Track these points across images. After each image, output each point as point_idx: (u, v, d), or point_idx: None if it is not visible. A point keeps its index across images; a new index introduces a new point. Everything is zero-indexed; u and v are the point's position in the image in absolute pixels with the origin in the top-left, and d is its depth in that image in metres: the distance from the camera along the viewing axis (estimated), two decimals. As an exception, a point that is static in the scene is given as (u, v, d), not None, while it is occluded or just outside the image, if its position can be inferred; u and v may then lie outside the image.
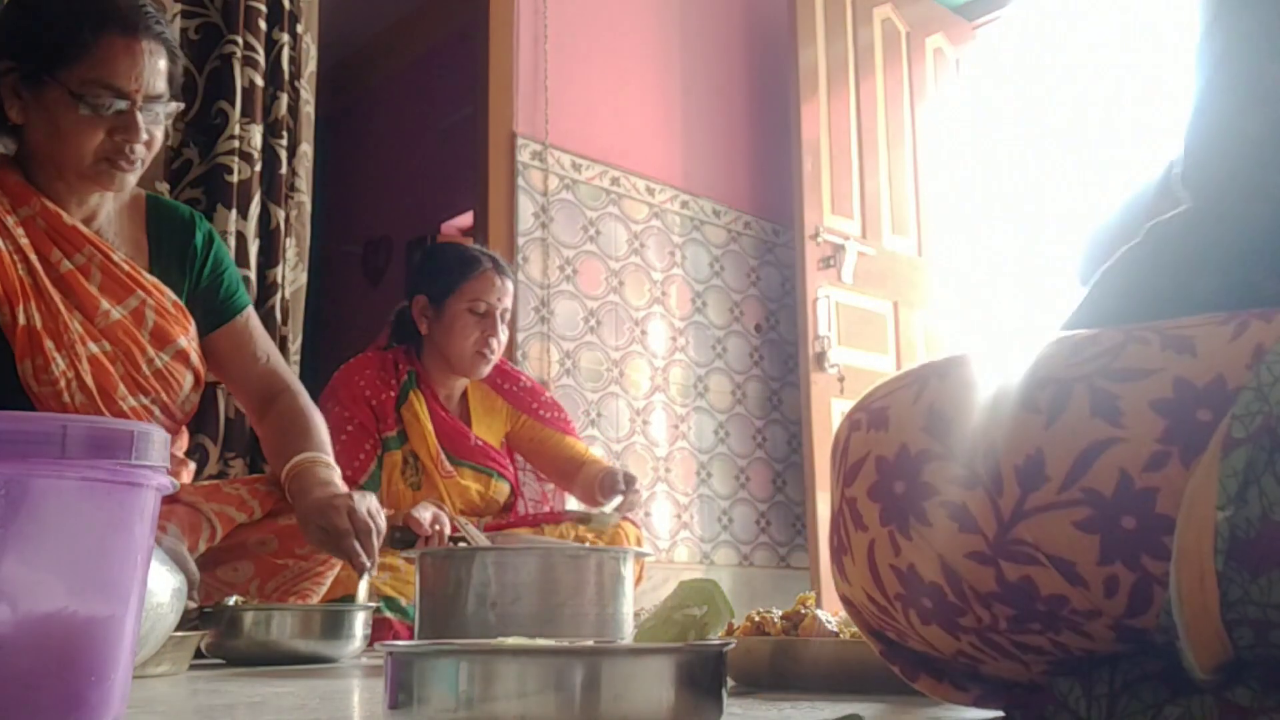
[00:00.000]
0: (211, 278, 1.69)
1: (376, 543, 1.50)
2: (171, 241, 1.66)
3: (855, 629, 0.85)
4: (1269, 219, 0.58)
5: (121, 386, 1.54)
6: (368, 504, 1.51)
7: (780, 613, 1.08)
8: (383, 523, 1.53)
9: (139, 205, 1.66)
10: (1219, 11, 0.64)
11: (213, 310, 1.69)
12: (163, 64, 1.49)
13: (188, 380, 1.63)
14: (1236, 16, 0.62)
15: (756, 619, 1.08)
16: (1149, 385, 0.50)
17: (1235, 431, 0.46)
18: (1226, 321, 0.51)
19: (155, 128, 1.50)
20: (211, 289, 1.69)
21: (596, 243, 3.40)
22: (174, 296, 1.62)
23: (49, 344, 1.47)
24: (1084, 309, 0.66)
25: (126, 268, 1.57)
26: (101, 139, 1.45)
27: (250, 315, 1.75)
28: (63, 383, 1.48)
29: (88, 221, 1.57)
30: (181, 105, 1.56)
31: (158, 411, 1.60)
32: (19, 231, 1.48)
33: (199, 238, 1.68)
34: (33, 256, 1.48)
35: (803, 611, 1.06)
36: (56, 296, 1.50)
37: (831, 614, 1.05)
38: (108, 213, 1.60)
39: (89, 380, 1.51)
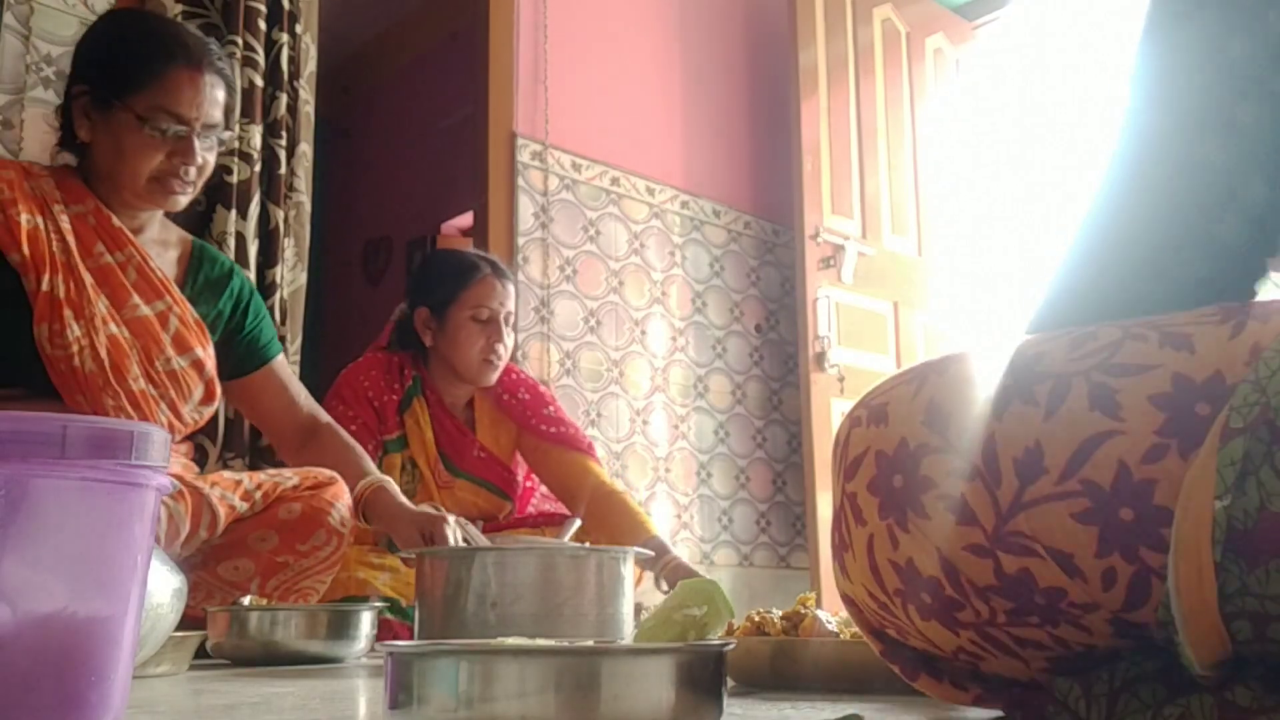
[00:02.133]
0: (254, 322, 1.84)
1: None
2: (209, 282, 1.79)
3: (855, 629, 0.85)
4: (1246, 238, 0.59)
5: (135, 368, 1.60)
6: (468, 530, 1.71)
7: (780, 613, 1.08)
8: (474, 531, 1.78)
9: (185, 246, 1.79)
10: (1159, 23, 0.64)
11: (255, 353, 1.85)
12: (221, 95, 1.64)
13: (199, 390, 1.70)
14: (1177, 29, 0.62)
15: (756, 619, 1.08)
16: (1147, 380, 0.50)
17: (1233, 422, 0.46)
18: (1224, 320, 0.51)
19: (209, 154, 1.65)
20: (254, 332, 1.84)
21: (596, 243, 3.40)
22: (196, 315, 1.71)
23: (68, 312, 1.54)
24: (1046, 309, 0.66)
25: (160, 275, 1.67)
26: (160, 161, 1.59)
27: (283, 358, 1.92)
28: (75, 348, 1.54)
29: (134, 233, 1.67)
30: (234, 134, 1.74)
31: (164, 406, 1.65)
32: (64, 219, 1.58)
33: (238, 284, 1.83)
34: (70, 240, 1.57)
35: (803, 611, 1.06)
36: (88, 279, 1.58)
37: (832, 614, 1.05)
38: (152, 235, 1.72)
39: (103, 352, 1.56)
